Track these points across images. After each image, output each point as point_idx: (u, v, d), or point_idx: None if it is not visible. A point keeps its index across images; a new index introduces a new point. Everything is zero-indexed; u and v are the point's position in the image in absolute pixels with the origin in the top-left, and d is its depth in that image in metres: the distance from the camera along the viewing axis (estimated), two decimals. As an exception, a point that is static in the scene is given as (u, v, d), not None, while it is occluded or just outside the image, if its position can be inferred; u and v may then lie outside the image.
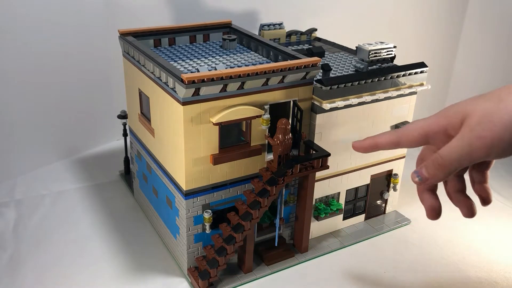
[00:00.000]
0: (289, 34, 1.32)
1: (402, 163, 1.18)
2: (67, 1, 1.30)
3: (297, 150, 0.98)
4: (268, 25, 1.28)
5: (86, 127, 1.47)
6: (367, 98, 1.00)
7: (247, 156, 0.95)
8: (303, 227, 1.05)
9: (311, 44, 1.32)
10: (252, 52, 1.10)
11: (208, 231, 0.96)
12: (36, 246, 1.07)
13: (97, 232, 1.13)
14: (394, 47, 1.07)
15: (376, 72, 1.01)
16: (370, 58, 1.04)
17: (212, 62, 1.01)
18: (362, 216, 1.18)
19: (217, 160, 0.91)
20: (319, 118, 0.99)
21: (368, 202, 1.17)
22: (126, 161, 1.36)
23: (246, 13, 1.50)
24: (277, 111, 0.98)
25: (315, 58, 0.94)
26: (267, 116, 0.93)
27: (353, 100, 0.99)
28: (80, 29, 1.35)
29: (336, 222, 1.14)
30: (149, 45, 1.11)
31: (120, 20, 1.35)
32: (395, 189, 1.19)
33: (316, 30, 1.36)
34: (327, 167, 0.98)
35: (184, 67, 0.98)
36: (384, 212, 1.21)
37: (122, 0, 1.39)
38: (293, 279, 1.00)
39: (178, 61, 1.02)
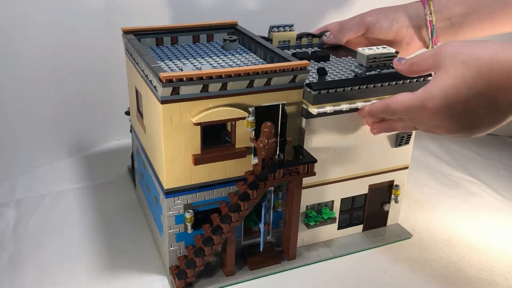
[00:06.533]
0: (300, 36, 1.29)
1: (405, 174, 1.13)
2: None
3: (282, 154, 0.96)
4: (278, 27, 1.26)
5: (86, 127, 1.47)
6: (361, 104, 0.97)
7: (231, 158, 0.94)
8: (290, 234, 1.02)
9: (323, 47, 1.30)
10: (251, 54, 1.09)
11: (189, 231, 0.96)
12: (36, 246, 1.08)
13: (97, 232, 1.13)
14: (396, 52, 1.02)
15: (371, 78, 0.97)
16: (369, 63, 1.00)
17: (206, 62, 1.01)
18: (360, 227, 1.14)
19: (198, 160, 0.91)
20: (309, 123, 0.96)
21: (366, 212, 1.13)
22: (133, 157, 1.38)
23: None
24: (269, 114, 0.97)
25: (304, 62, 0.92)
26: (252, 118, 0.92)
27: (344, 106, 0.96)
28: (81, 27, 1.34)
29: (330, 231, 1.10)
30: (151, 43, 1.13)
31: (125, 18, 1.35)
32: (396, 201, 1.14)
33: (328, 32, 1.32)
34: (314, 174, 0.96)
35: (177, 66, 0.98)
36: (385, 224, 1.17)
37: None
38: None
39: (173, 60, 1.02)
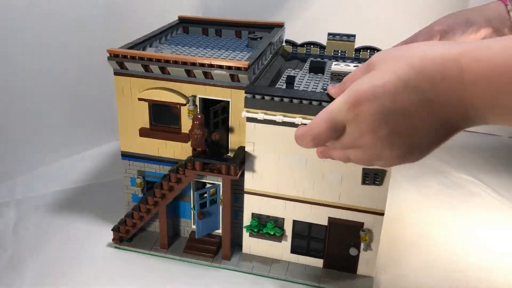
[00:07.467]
0: (359, 49, 1.19)
1: (380, 221, 0.95)
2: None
3: (207, 148, 0.96)
4: (334, 35, 1.20)
5: (86, 127, 1.47)
6: (300, 120, 0.88)
7: (174, 140, 1.00)
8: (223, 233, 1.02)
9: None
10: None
11: (140, 194, 1.07)
12: (36, 246, 1.07)
13: (96, 232, 1.13)
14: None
15: (310, 94, 0.87)
16: (333, 80, 0.89)
17: (221, 54, 1.08)
18: (321, 261, 1.02)
19: (143, 133, 1.01)
20: (250, 126, 0.94)
21: (327, 248, 1.00)
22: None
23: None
24: (225, 110, 0.99)
25: (242, 62, 0.90)
26: (192, 107, 0.96)
27: (279, 117, 0.89)
28: (81, 26, 1.34)
29: (281, 251, 1.03)
30: (198, 32, 1.25)
31: (125, 17, 1.36)
32: (364, 248, 0.97)
33: (396, 51, 1.17)
34: (235, 177, 0.93)
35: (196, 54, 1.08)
36: (354, 271, 1.01)
37: None
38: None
39: (198, 49, 1.11)
